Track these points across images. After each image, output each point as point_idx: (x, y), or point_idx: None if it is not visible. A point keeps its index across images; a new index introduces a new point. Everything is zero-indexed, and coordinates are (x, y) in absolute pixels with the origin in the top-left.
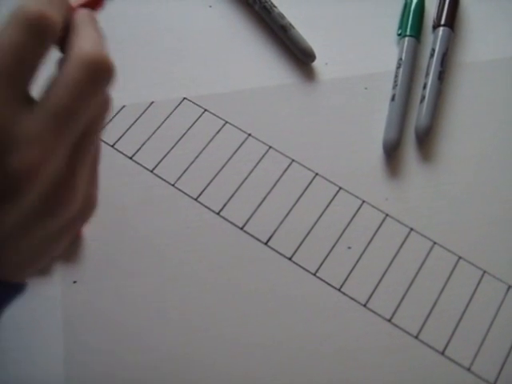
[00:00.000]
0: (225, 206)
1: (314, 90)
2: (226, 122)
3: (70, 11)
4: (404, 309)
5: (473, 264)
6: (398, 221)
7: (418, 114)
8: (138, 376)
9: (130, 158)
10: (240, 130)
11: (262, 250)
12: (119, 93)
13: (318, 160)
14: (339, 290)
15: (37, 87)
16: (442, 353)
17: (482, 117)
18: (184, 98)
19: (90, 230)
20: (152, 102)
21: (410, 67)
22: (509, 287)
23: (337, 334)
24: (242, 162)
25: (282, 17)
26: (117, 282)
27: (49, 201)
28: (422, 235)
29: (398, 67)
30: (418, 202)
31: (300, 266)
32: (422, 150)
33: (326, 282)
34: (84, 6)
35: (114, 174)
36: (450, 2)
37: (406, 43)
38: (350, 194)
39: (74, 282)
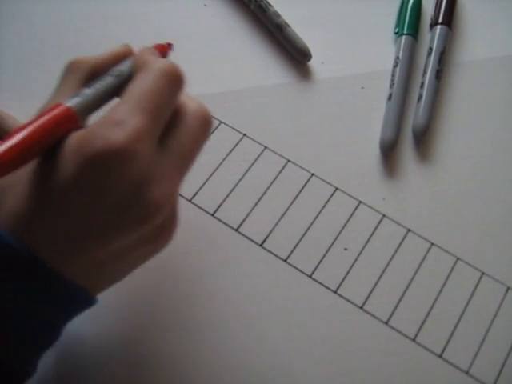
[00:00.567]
0: (219, 207)
1: (310, 90)
2: (221, 122)
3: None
4: (401, 311)
5: (471, 265)
6: (395, 221)
7: (416, 114)
8: (134, 375)
9: None
10: (235, 129)
11: (257, 252)
12: None
13: (313, 160)
14: (335, 292)
15: None
16: (440, 355)
17: (480, 116)
18: None
19: None
20: None
21: (408, 66)
22: (507, 289)
23: (333, 337)
24: (237, 162)
25: (278, 15)
26: None
27: (157, 229)
28: (419, 236)
29: (395, 66)
30: (415, 202)
31: (296, 267)
32: (419, 149)
33: (322, 284)
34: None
35: None
36: (447, 0)
37: (403, 42)
38: (347, 194)
39: None
